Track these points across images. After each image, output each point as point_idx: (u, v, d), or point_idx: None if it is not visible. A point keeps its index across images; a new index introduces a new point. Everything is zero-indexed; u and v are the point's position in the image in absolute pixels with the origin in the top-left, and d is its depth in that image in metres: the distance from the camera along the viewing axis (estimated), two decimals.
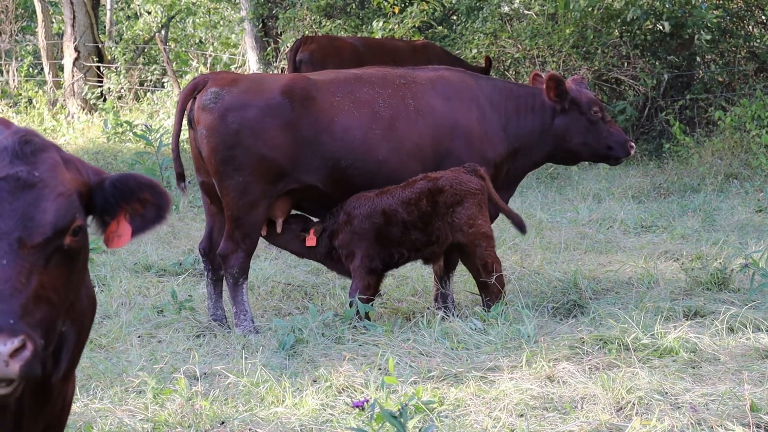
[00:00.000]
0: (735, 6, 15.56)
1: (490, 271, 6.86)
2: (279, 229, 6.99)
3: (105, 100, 19.53)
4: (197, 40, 24.66)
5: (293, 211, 7.14)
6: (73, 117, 19.20)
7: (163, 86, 20.75)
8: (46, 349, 2.74)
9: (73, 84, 20.03)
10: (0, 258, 2.68)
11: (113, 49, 21.51)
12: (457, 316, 6.88)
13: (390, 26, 16.55)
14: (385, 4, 16.94)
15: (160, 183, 3.02)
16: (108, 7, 23.46)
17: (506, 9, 15.80)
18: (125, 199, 2.98)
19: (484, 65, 13.43)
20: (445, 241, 6.88)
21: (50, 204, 2.77)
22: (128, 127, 15.60)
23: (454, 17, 17.76)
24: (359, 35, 16.50)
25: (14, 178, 2.76)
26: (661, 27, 14.50)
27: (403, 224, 6.83)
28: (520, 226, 7.01)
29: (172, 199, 3.07)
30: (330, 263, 7.10)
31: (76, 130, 17.91)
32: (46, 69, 21.10)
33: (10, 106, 20.00)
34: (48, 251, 2.76)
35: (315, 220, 7.08)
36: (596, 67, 14.61)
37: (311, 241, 6.94)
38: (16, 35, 23.55)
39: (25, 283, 2.68)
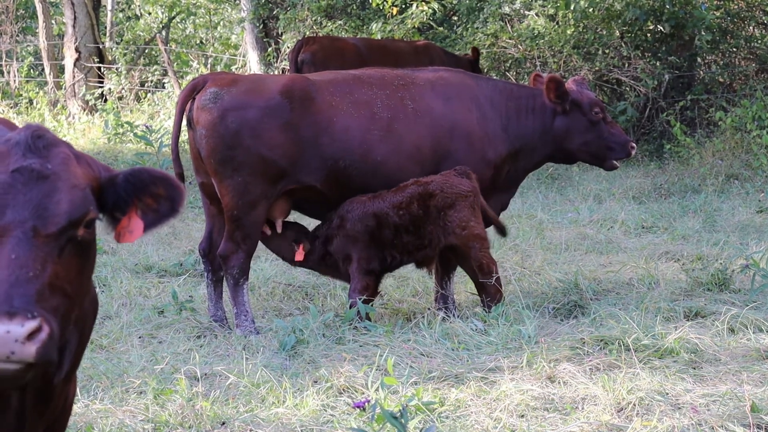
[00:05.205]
0: (735, 7, 15.56)
1: (486, 272, 6.87)
2: (279, 230, 6.99)
3: (105, 100, 19.52)
4: (198, 41, 24.67)
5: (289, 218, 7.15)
6: (73, 118, 19.19)
7: (163, 87, 20.74)
8: (60, 340, 2.75)
9: (74, 85, 20.02)
10: (15, 245, 2.71)
11: (114, 49, 21.51)
12: (458, 316, 6.88)
13: (390, 27, 16.54)
14: (385, 4, 16.93)
15: (173, 176, 3.03)
16: (109, 7, 23.46)
17: (507, 10, 15.79)
18: (138, 193, 2.99)
19: (471, 56, 13.49)
20: (437, 245, 6.89)
21: (64, 195, 2.81)
22: (129, 128, 15.60)
23: (455, 18, 17.74)
24: (359, 36, 16.50)
25: (28, 169, 2.80)
26: (661, 28, 14.50)
27: (395, 228, 6.85)
28: (502, 231, 7.16)
29: (186, 193, 3.07)
30: (324, 269, 7.12)
31: (76, 131, 17.90)
32: (47, 70, 21.10)
33: (11, 107, 20.00)
34: (62, 242, 2.79)
35: (308, 231, 7.08)
36: (597, 68, 14.61)
37: (299, 256, 6.97)
38: (17, 36, 23.54)
39: (40, 270, 2.71)
